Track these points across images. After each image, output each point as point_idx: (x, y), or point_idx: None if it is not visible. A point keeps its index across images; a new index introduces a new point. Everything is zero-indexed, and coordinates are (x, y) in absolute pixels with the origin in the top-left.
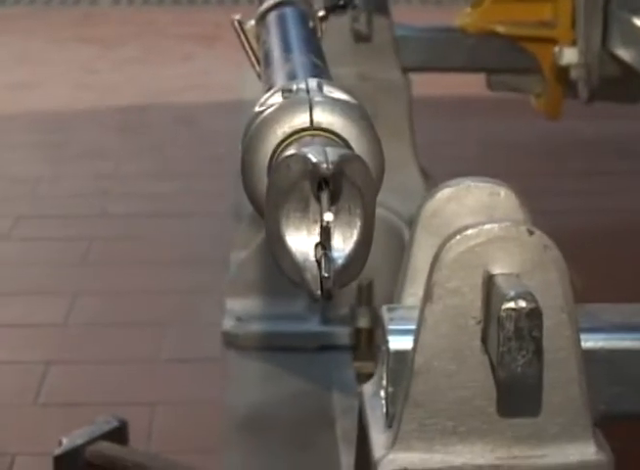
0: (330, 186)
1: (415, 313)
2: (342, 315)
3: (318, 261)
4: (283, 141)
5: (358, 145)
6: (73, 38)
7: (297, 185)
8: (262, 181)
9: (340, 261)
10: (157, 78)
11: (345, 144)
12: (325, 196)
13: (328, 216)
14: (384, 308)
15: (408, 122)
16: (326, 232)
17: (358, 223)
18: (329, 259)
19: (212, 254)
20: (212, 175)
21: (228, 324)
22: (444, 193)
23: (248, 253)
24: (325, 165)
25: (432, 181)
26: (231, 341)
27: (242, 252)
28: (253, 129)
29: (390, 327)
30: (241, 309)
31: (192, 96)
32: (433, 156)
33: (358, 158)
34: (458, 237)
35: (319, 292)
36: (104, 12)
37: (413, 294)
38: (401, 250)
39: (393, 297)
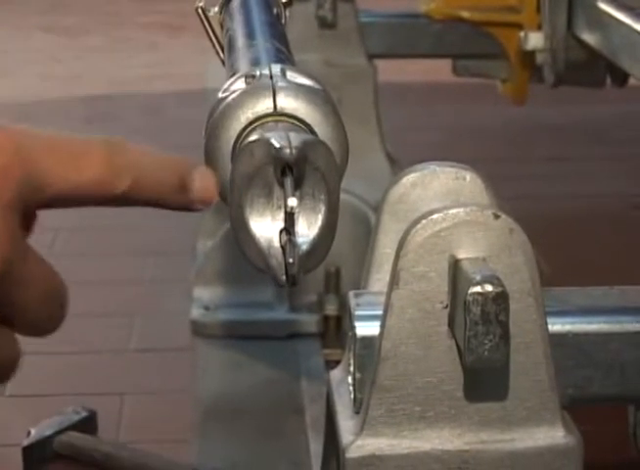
0: (293, 172)
1: (382, 299)
2: (309, 303)
3: (283, 247)
4: (246, 127)
5: (322, 130)
6: (38, 27)
7: (261, 171)
8: (226, 168)
9: (304, 247)
10: (122, 68)
11: (309, 129)
12: (288, 181)
13: (292, 202)
14: (350, 294)
15: (374, 109)
16: (290, 218)
17: (322, 208)
18: (293, 245)
19: (179, 243)
20: None
21: (196, 313)
22: (410, 178)
23: (214, 241)
24: (288, 151)
25: (398, 167)
26: (199, 330)
27: (208, 240)
28: (216, 116)
29: (357, 313)
30: (208, 298)
31: (158, 85)
32: (400, 142)
33: (322, 143)
34: (423, 222)
35: (284, 278)
36: (69, 1)
37: (380, 279)
38: (368, 236)
39: (360, 283)
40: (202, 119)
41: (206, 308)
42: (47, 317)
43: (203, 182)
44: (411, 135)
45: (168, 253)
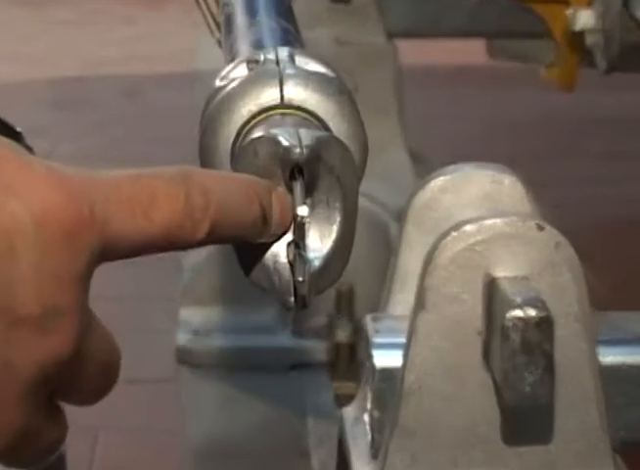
0: (304, 174)
1: (405, 324)
2: (317, 327)
3: (291, 263)
4: (248, 121)
5: (337, 125)
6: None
7: (266, 173)
8: (224, 169)
9: (316, 263)
10: (96, 45)
11: (322, 124)
12: (298, 186)
13: (302, 210)
14: (367, 318)
15: (395, 96)
16: (300, 229)
17: (338, 218)
18: (304, 261)
19: (164, 256)
20: (162, 159)
21: (183, 338)
22: (438, 182)
23: (204, 253)
24: (298, 150)
25: (424, 166)
26: (187, 358)
27: (197, 252)
28: (214, 108)
29: (376, 340)
30: (198, 321)
31: (137, 66)
32: (425, 136)
33: (337, 140)
34: (455, 234)
35: (292, 299)
36: None
37: (402, 301)
38: (388, 249)
39: (379, 305)
40: (189, 106)
41: (196, 333)
42: (99, 390)
43: (280, 208)
44: (439, 128)
45: (150, 264)
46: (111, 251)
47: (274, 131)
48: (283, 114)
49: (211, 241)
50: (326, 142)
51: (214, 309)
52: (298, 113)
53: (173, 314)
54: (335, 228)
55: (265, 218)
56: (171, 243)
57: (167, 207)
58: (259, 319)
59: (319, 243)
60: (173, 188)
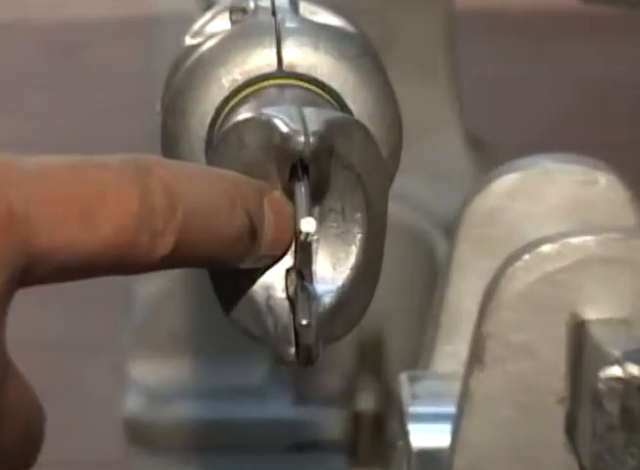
0: (309, 173)
1: (454, 387)
2: (329, 392)
3: (291, 299)
4: (232, 96)
5: (359, 102)
6: None
7: (256, 171)
8: (197, 162)
9: (328, 299)
10: None
11: (337, 101)
12: (302, 189)
13: (307, 224)
14: (402, 378)
15: (446, 53)
16: (304, 250)
17: (358, 235)
18: (309, 296)
19: (104, 285)
20: (105, 146)
21: (134, 405)
22: (505, 182)
23: (163, 284)
24: (302, 138)
25: (486, 155)
26: (139, 433)
27: (153, 282)
28: (183, 76)
29: (413, 409)
30: (155, 380)
31: (72, 10)
32: (490, 109)
33: (358, 124)
34: (527, 257)
35: (293, 350)
36: None
37: (452, 353)
38: (430, 277)
39: (418, 359)
40: (145, 70)
41: (152, 397)
42: (18, 462)
43: (276, 218)
44: (508, 99)
45: (88, 293)
46: (35, 270)
47: (268, 111)
48: (281, 85)
49: (177, 263)
50: (342, 127)
51: (178, 363)
52: (303, 84)
53: (120, 370)
54: (354, 249)
55: (254, 232)
56: (120, 263)
57: (116, 211)
58: (244, 379)
59: (331, 270)
60: (124, 185)
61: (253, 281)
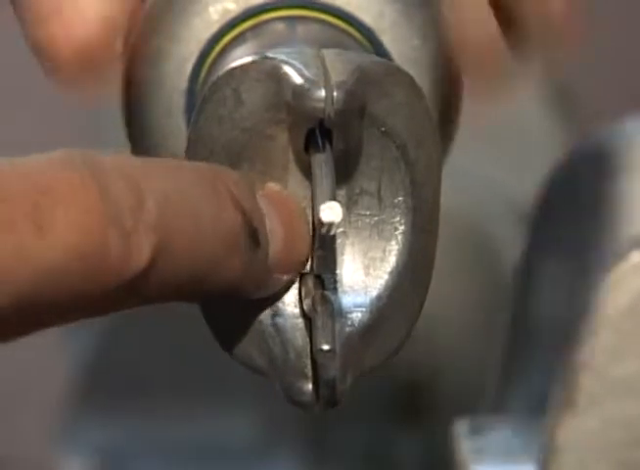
0: (333, 142)
1: (533, 439)
2: (355, 447)
3: (307, 315)
4: (223, 33)
5: (401, 42)
6: None
7: (258, 139)
8: (177, 131)
9: (357, 316)
10: None
11: (370, 41)
12: (322, 164)
13: (331, 212)
14: (460, 427)
15: None
16: (326, 248)
17: (400, 228)
18: (332, 311)
19: None
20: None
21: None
22: (597, 149)
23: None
24: (322, 93)
25: (576, 110)
26: None
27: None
28: (154, 5)
29: (477, 468)
30: (105, 437)
31: None
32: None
33: (401, 74)
34: (637, 255)
35: (309, 387)
36: None
37: (529, 392)
38: (500, 290)
39: (483, 401)
40: None
41: (103, 459)
42: None
43: (281, 216)
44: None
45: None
46: None
47: (274, 54)
48: (292, 18)
49: (162, 280)
50: (378, 77)
51: (142, 413)
52: (323, 17)
53: (61, 423)
54: (394, 247)
55: (253, 232)
56: (89, 280)
57: (72, 210)
58: (231, 434)
59: (363, 276)
60: (75, 177)
61: None
